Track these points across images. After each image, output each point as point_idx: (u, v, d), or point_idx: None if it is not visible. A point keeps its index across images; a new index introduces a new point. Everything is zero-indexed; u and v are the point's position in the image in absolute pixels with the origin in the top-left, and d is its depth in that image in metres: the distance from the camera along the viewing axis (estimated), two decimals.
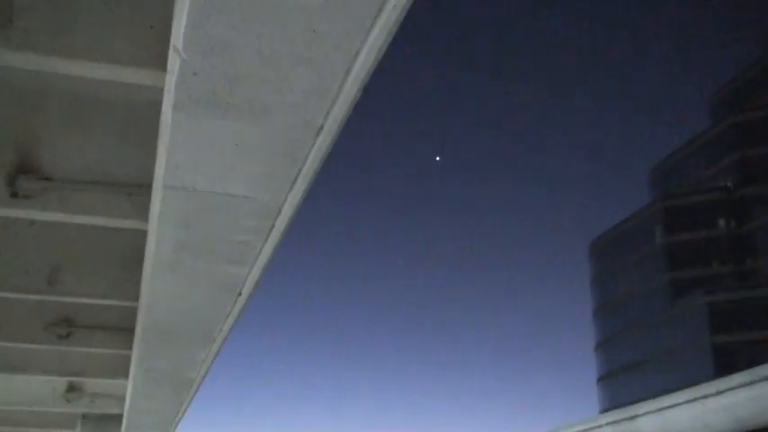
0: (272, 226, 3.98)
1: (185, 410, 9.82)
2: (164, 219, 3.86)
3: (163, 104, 3.09)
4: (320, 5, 2.36)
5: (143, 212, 4.46)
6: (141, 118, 4.26)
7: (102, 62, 3.38)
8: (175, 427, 11.05)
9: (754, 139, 70.48)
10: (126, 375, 8.04)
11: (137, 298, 5.72)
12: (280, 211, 3.81)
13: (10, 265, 5.61)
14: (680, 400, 12.45)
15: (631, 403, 15.90)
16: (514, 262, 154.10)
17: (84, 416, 11.04)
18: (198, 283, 4.82)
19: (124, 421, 10.18)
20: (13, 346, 7.12)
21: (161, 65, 3.20)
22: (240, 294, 5.07)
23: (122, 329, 6.93)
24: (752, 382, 10.88)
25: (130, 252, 5.65)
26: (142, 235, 4.73)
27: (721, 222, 73.22)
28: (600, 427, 14.90)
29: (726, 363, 59.32)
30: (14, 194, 4.30)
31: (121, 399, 9.32)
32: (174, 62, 2.65)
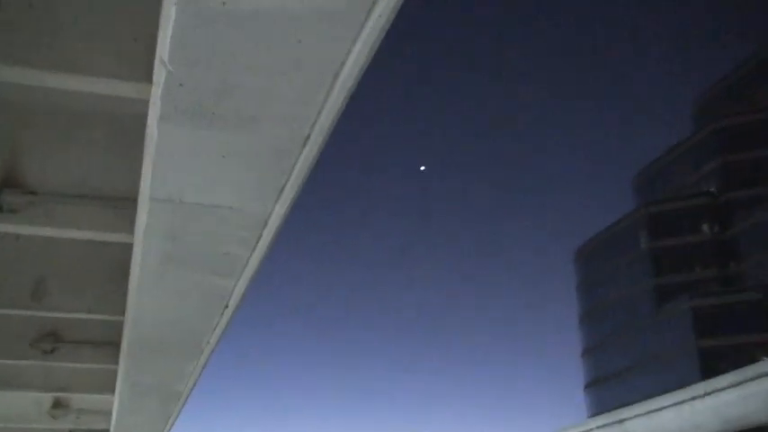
0: (260, 237, 3.97)
1: (173, 423, 9.75)
2: (150, 231, 3.84)
3: (149, 116, 3.09)
4: (306, 16, 2.37)
5: (129, 226, 4.45)
6: (126, 130, 4.25)
7: (86, 75, 3.37)
8: None
9: (736, 145, 71.15)
10: (112, 390, 7.97)
11: (123, 312, 5.69)
12: (267, 222, 3.81)
13: None
14: (668, 403, 12.52)
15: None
16: (500, 269, 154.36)
17: None
18: (185, 295, 4.80)
19: None
20: None
21: (146, 77, 3.20)
22: (227, 306, 5.05)
23: (109, 343, 6.88)
24: (738, 383, 10.95)
25: (117, 266, 5.63)
26: (128, 248, 4.71)
27: (705, 227, 73.75)
28: (590, 431, 14.93)
29: (712, 366, 59.57)
30: None
31: (108, 414, 9.25)
32: (159, 74, 2.66)
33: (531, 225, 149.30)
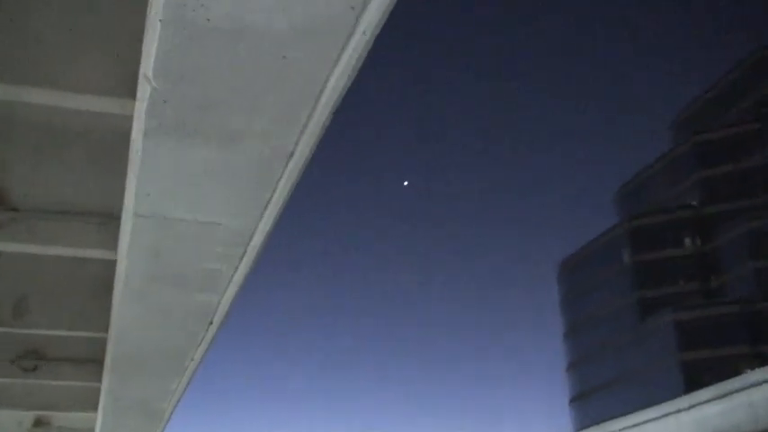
0: (244, 253, 3.96)
1: None
2: (134, 248, 3.82)
3: (132, 132, 3.08)
4: (290, 32, 2.37)
5: (112, 242, 4.41)
6: (109, 147, 4.23)
7: (68, 91, 3.36)
8: None
9: (717, 158, 71.79)
10: (95, 408, 7.90)
11: (106, 329, 5.64)
12: (251, 238, 3.80)
13: None
14: (654, 415, 12.56)
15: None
16: (483, 284, 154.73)
17: None
18: (168, 312, 4.77)
19: None
20: None
21: (129, 93, 3.19)
22: (212, 323, 5.02)
23: (92, 361, 6.82)
24: (721, 396, 11.01)
25: (99, 282, 5.58)
26: (111, 265, 4.67)
27: (687, 241, 74.18)
28: None
29: (695, 379, 59.79)
30: None
31: None
32: (144, 90, 2.65)
33: (515, 240, 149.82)
